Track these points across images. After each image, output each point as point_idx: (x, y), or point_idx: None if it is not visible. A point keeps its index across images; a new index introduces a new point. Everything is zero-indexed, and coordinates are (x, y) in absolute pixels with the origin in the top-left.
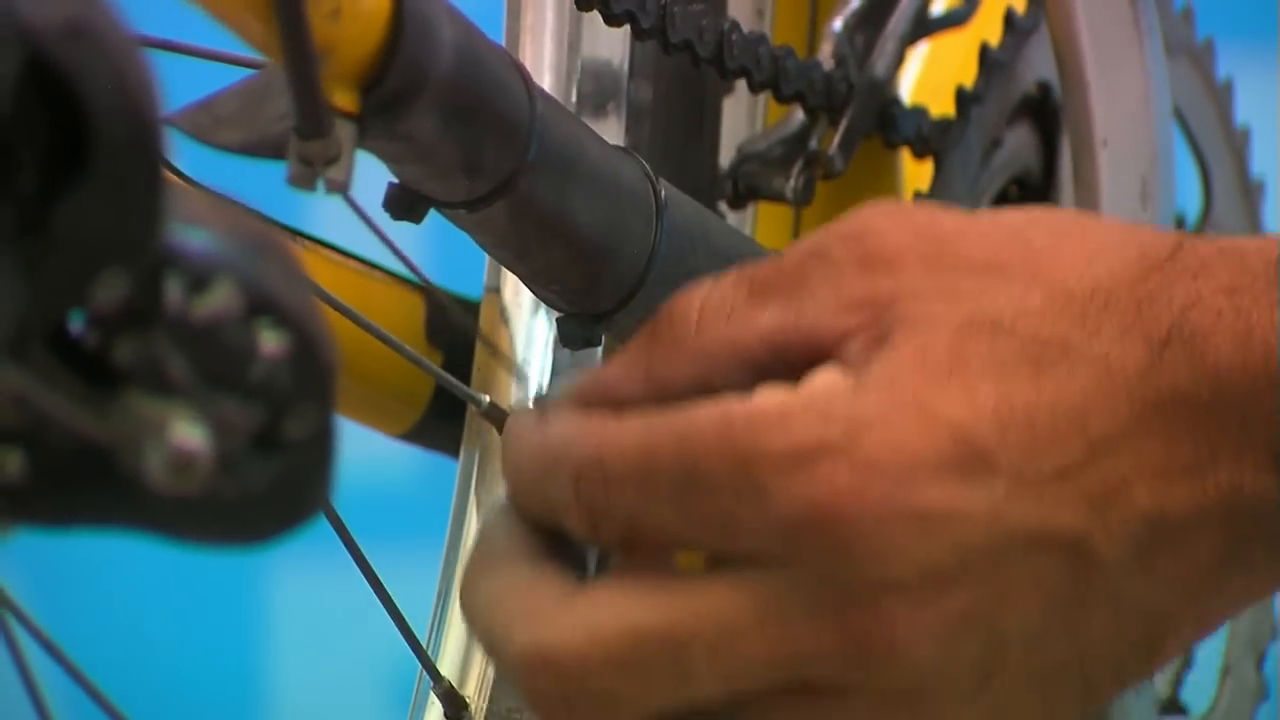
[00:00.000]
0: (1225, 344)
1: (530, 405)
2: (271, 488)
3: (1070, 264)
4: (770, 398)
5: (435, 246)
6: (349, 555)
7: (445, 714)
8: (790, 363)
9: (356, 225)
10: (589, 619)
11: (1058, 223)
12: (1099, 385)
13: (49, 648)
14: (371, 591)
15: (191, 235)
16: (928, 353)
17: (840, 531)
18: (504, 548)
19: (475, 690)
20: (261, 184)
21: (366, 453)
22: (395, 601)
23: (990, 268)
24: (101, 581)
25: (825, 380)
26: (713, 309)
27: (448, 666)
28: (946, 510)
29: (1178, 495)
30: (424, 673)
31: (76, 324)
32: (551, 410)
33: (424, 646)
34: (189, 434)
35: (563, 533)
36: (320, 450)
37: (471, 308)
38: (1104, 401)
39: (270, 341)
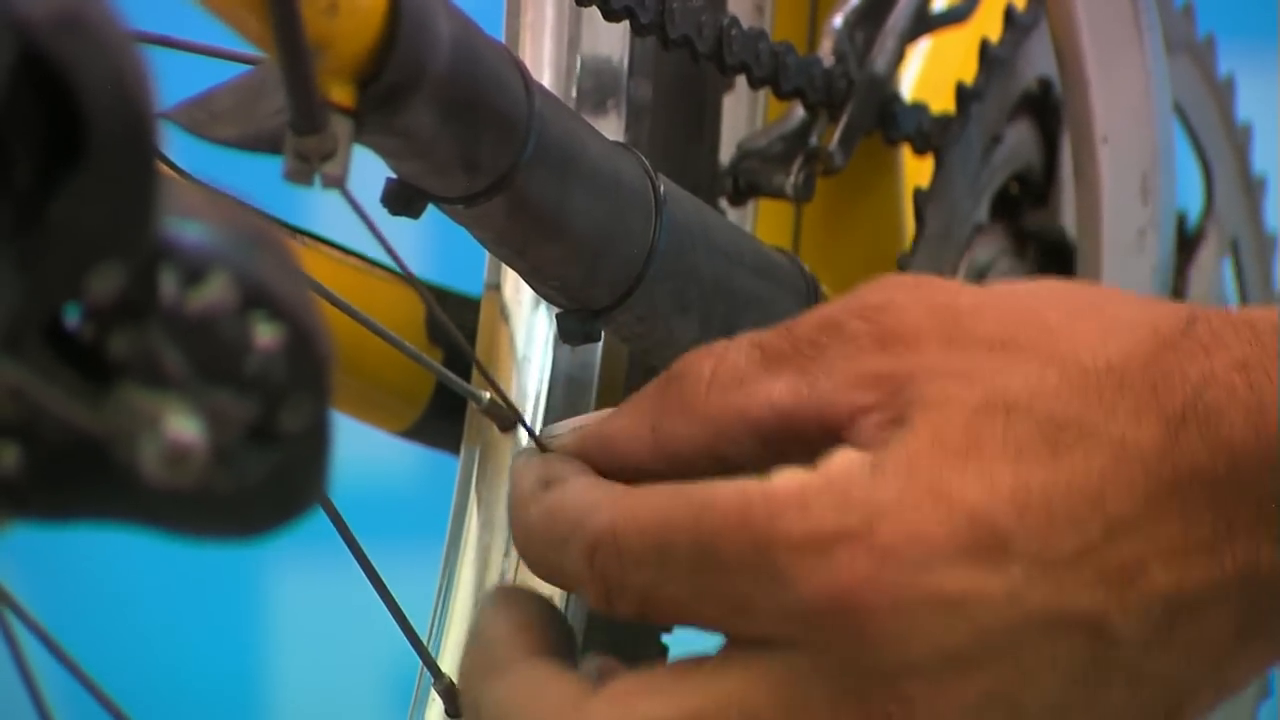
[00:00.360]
0: (1239, 420)
1: (527, 446)
2: (267, 480)
3: (1085, 342)
4: (789, 480)
5: (435, 244)
6: (349, 552)
7: (446, 711)
8: (801, 436)
9: (357, 222)
10: None
11: (1072, 299)
12: (1116, 466)
13: (48, 644)
14: (372, 588)
15: (186, 228)
16: (944, 435)
17: (859, 619)
18: (507, 646)
19: None
20: (261, 180)
21: (367, 450)
22: (396, 598)
23: (1006, 346)
24: (101, 579)
25: (843, 462)
26: (725, 374)
27: (448, 663)
28: (964, 595)
29: (1195, 573)
30: (424, 670)
31: (71, 317)
32: (556, 465)
33: (424, 643)
34: (184, 427)
35: (557, 615)
36: (316, 443)
37: (471, 304)
38: (1121, 482)
39: (265, 334)
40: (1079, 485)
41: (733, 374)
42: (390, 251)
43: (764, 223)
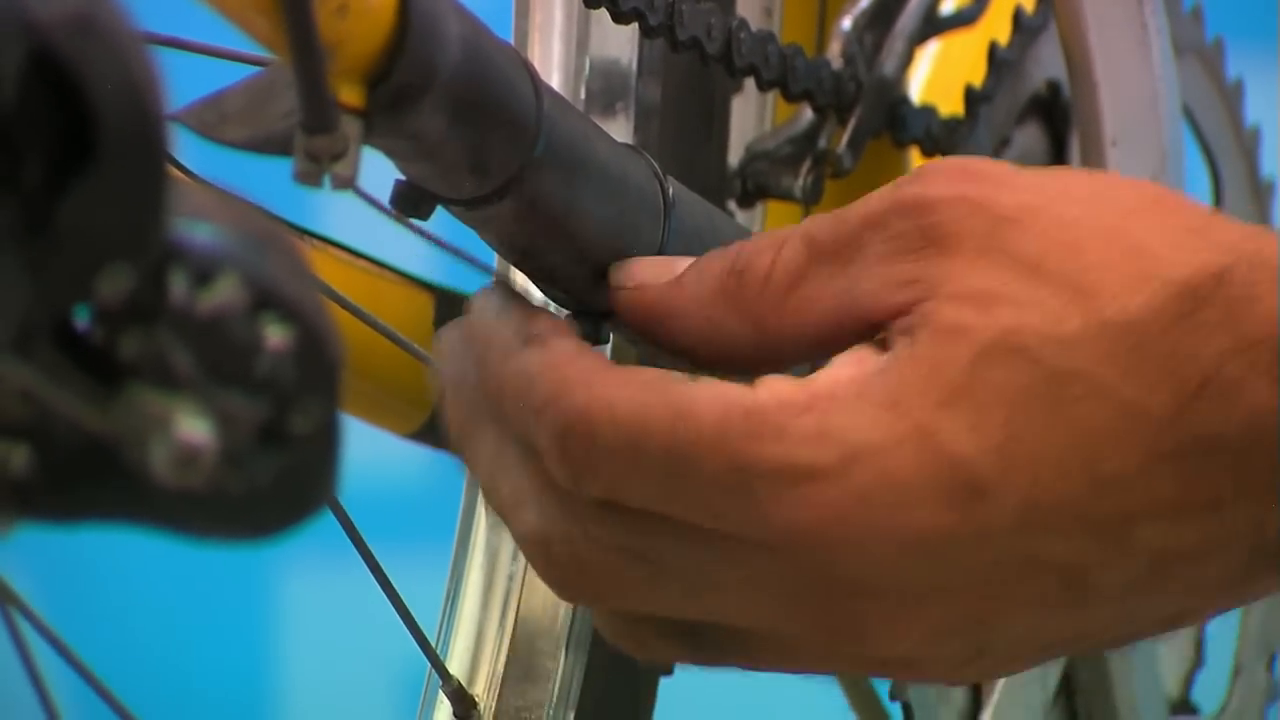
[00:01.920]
0: (1262, 388)
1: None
2: (277, 482)
3: (1114, 287)
4: (771, 396)
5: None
6: (358, 555)
7: (454, 713)
8: (850, 339)
9: (365, 226)
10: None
11: (1119, 225)
12: (1116, 427)
13: (56, 645)
14: (380, 591)
15: (196, 230)
16: (945, 370)
17: (825, 552)
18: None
19: (484, 689)
20: (268, 184)
21: (375, 452)
22: (404, 600)
23: (1035, 271)
24: (110, 580)
25: (829, 383)
26: (781, 274)
27: (456, 665)
28: (933, 534)
29: (1189, 533)
30: (433, 672)
31: (81, 319)
32: (540, 322)
33: (433, 645)
34: (194, 428)
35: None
36: (326, 444)
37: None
38: (1118, 444)
39: (275, 335)
40: (1074, 442)
41: (788, 273)
42: (415, 229)
43: (772, 225)
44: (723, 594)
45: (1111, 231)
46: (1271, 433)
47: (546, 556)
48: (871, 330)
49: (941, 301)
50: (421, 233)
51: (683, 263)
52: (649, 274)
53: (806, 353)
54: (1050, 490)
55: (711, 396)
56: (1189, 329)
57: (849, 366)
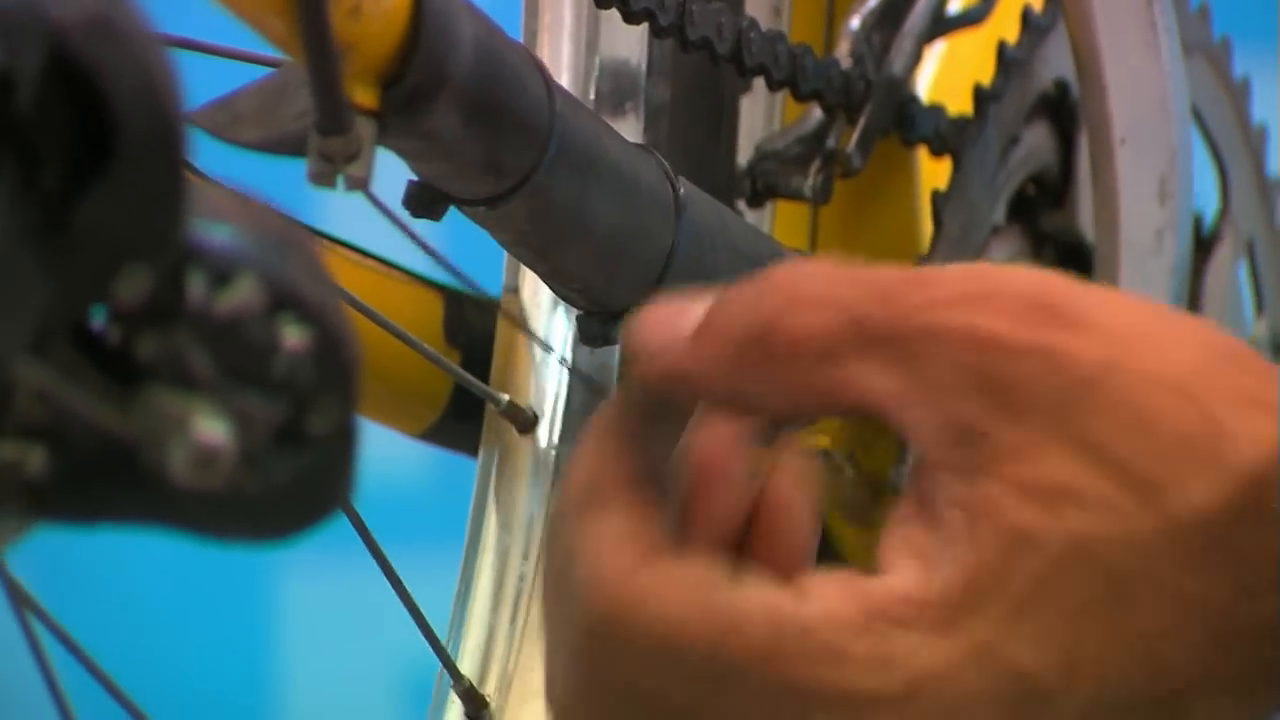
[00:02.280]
0: None
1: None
2: (294, 483)
3: (1183, 478)
4: (827, 613)
5: (453, 246)
6: (369, 554)
7: (466, 713)
8: (884, 422)
9: (374, 226)
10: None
11: (1189, 381)
12: (1178, 622)
13: (67, 643)
14: (391, 590)
15: (213, 230)
16: (1010, 582)
17: None
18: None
19: (495, 689)
20: (281, 182)
21: (386, 453)
22: (415, 601)
23: (1104, 460)
24: (117, 580)
25: (887, 596)
26: (816, 344)
27: (468, 665)
28: None
29: (1240, 706)
30: (444, 672)
31: (99, 320)
32: (603, 475)
33: (444, 646)
34: (212, 429)
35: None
36: (343, 445)
37: (490, 306)
38: (1179, 635)
39: (293, 336)
40: (1137, 644)
41: (825, 345)
42: (422, 245)
43: (781, 224)
44: None
45: (1185, 397)
46: None
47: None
48: (907, 440)
49: (1007, 493)
50: (420, 243)
51: (694, 311)
52: (660, 335)
53: (839, 418)
54: (1114, 694)
55: (761, 609)
56: (1253, 520)
57: (906, 575)
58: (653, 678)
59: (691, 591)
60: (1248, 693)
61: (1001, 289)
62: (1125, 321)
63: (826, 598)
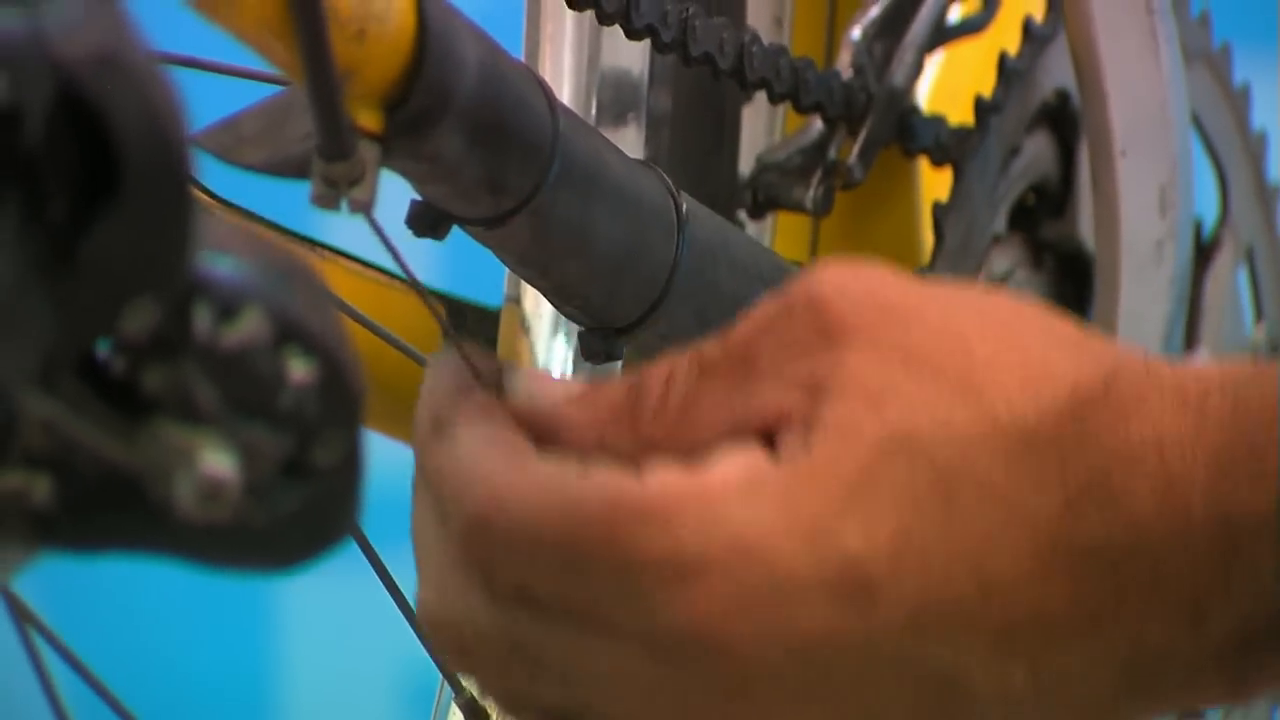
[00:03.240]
0: (1146, 496)
1: (447, 355)
2: (300, 514)
3: (1003, 390)
4: (661, 485)
5: (454, 255)
6: (366, 563)
7: None
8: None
9: (371, 236)
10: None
11: (1006, 332)
12: (1005, 529)
13: (60, 649)
14: (388, 602)
15: (219, 263)
16: (838, 469)
17: (705, 651)
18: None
19: None
20: (280, 193)
21: (386, 461)
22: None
23: (926, 367)
24: (115, 588)
25: (722, 475)
26: (673, 399)
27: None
28: (820, 635)
29: (1072, 644)
30: (445, 683)
31: (105, 352)
32: (450, 405)
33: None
34: (218, 462)
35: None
36: (348, 476)
37: (491, 317)
38: (1008, 546)
39: (299, 369)
40: (963, 545)
41: (680, 396)
42: (409, 276)
43: (782, 236)
44: (597, 688)
45: (1000, 335)
46: (1152, 544)
47: (436, 637)
48: (765, 431)
49: (834, 400)
50: (409, 274)
51: (579, 386)
52: (543, 387)
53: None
54: (939, 593)
55: (600, 488)
56: (1076, 433)
57: (740, 461)
58: (524, 572)
59: (545, 482)
60: (1073, 637)
61: (814, 272)
62: (935, 284)
63: (663, 476)
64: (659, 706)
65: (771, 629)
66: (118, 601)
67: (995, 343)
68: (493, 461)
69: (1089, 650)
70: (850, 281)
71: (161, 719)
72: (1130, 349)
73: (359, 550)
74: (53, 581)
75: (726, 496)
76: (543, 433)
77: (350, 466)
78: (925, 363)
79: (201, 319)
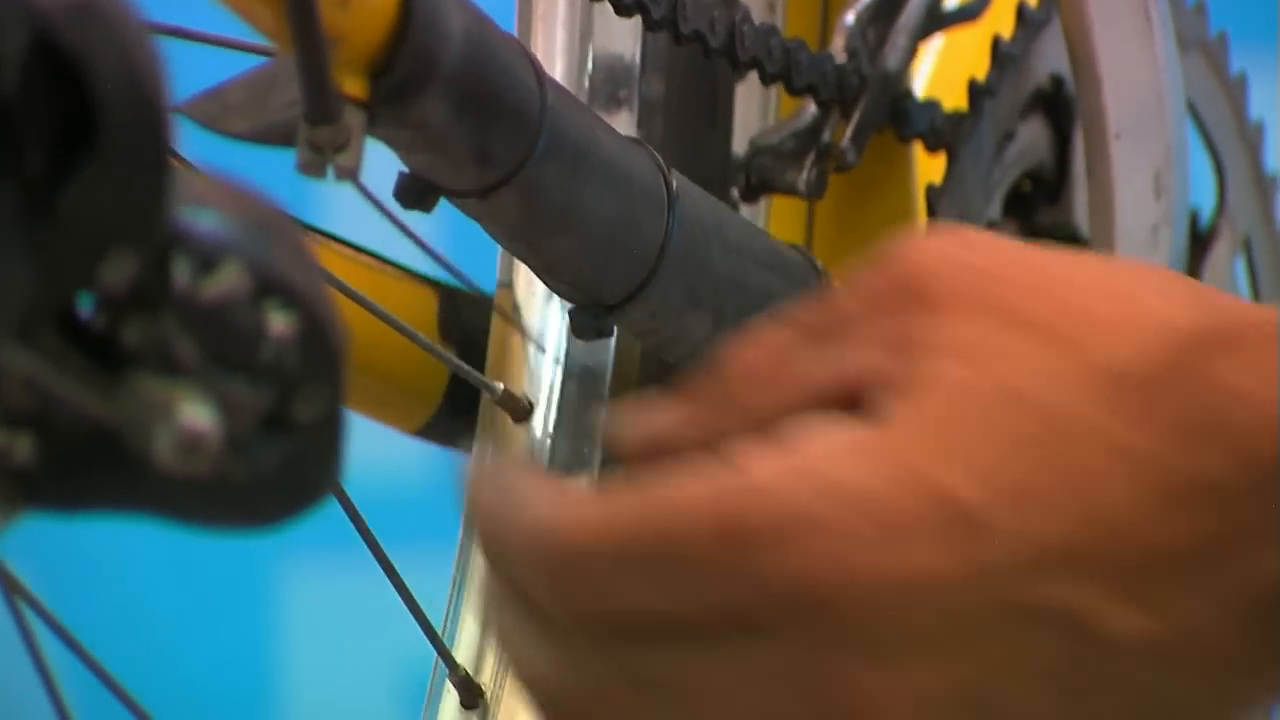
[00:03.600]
0: (1262, 432)
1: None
2: (281, 469)
3: (1107, 337)
4: (762, 465)
5: (447, 242)
6: (362, 549)
7: (461, 702)
8: (839, 407)
9: (368, 222)
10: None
11: (1106, 282)
12: (1117, 469)
13: (65, 638)
14: (385, 585)
15: (198, 216)
16: (937, 418)
17: (825, 607)
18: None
19: (491, 678)
20: (276, 178)
21: (380, 449)
22: (411, 591)
23: (1027, 324)
24: (114, 576)
25: (823, 445)
26: (764, 362)
27: (463, 655)
28: (929, 575)
29: (1198, 582)
30: (439, 661)
31: (84, 306)
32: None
33: (439, 635)
34: (198, 415)
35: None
36: (330, 432)
37: (484, 302)
38: (1120, 485)
39: (278, 322)
40: (1067, 480)
41: (772, 360)
42: (411, 234)
43: (776, 220)
44: (714, 704)
45: (1100, 286)
46: (1268, 479)
47: (556, 709)
48: (857, 397)
49: (934, 358)
50: (409, 233)
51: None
52: (637, 415)
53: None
54: (1045, 526)
55: (703, 486)
56: (1185, 374)
57: (837, 428)
58: (611, 580)
59: (624, 492)
60: (1198, 573)
61: (913, 238)
62: (1034, 246)
63: (759, 457)
64: (782, 685)
65: (881, 571)
66: (116, 592)
67: (1088, 295)
68: (561, 490)
69: (1216, 589)
70: (948, 249)
71: (162, 709)
72: (1239, 299)
73: (359, 537)
74: (52, 572)
75: (827, 461)
76: (650, 456)
77: (331, 422)
78: (1023, 320)
79: (180, 272)
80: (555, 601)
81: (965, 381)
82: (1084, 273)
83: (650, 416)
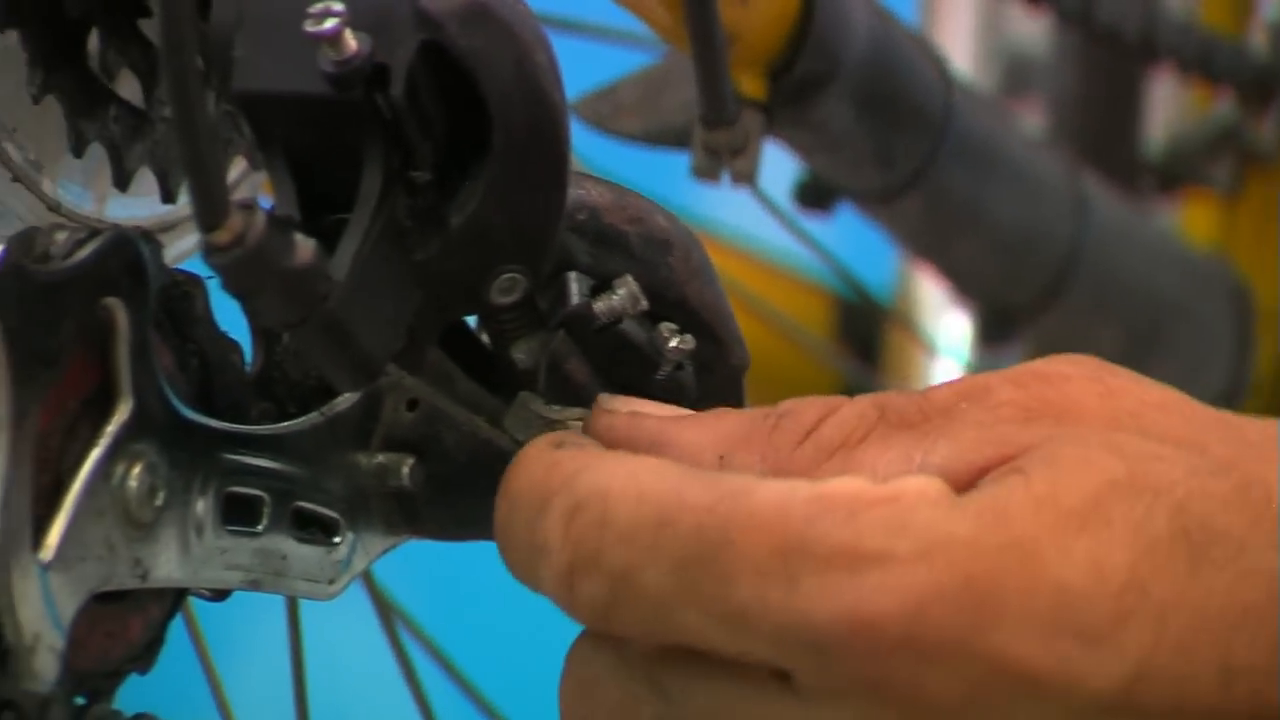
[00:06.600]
0: None
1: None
2: None
3: (1256, 459)
4: (846, 485)
5: (842, 249)
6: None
7: None
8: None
9: (757, 224)
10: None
11: (1213, 411)
12: (1261, 608)
13: (434, 653)
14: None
15: (592, 231)
16: (1063, 496)
17: (878, 658)
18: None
19: None
20: (665, 174)
21: None
22: None
23: (1184, 443)
24: (485, 588)
25: (920, 486)
26: (829, 430)
27: None
28: (1022, 670)
29: None
30: None
31: (471, 325)
32: (573, 435)
33: None
34: None
35: None
36: None
37: (880, 308)
38: (1260, 630)
39: (675, 343)
40: (1207, 609)
41: (838, 432)
42: (808, 240)
43: (1191, 215)
44: None
45: (1212, 413)
46: None
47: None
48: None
49: (1059, 445)
50: (812, 243)
51: (684, 410)
52: (647, 406)
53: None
54: (1171, 666)
55: (776, 486)
56: None
57: (936, 481)
58: (632, 564)
59: (705, 473)
60: None
61: (1050, 358)
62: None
63: (848, 480)
64: None
65: (960, 646)
66: (484, 604)
67: (1266, 433)
68: (617, 453)
69: None
70: (1094, 370)
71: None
72: None
73: None
74: (423, 587)
75: (922, 501)
76: (647, 448)
77: None
78: (1181, 439)
79: (573, 290)
80: (562, 563)
81: (1099, 466)
82: (1256, 421)
83: (659, 410)
